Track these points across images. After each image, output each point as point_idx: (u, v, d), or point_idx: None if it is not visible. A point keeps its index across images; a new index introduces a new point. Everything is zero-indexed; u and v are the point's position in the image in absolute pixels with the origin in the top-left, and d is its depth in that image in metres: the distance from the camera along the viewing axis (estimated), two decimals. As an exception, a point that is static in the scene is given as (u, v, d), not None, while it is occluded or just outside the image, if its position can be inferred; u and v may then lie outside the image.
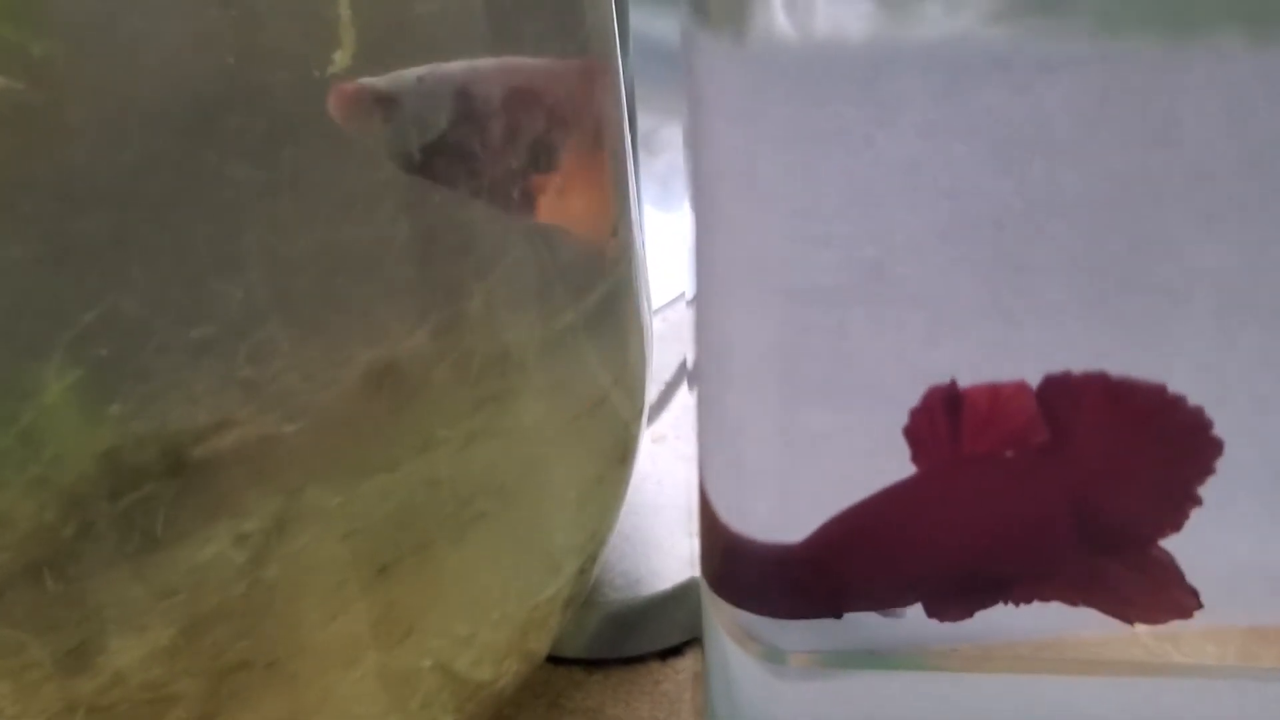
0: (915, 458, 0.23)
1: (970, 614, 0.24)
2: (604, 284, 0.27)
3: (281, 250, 0.21)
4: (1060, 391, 0.22)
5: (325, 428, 0.22)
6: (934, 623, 0.25)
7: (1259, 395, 0.22)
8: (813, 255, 0.22)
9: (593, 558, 0.30)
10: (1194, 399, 0.22)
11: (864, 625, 0.25)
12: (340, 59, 0.20)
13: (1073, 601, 0.24)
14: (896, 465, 0.23)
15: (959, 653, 0.25)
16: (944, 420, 0.22)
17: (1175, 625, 0.25)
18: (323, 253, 0.21)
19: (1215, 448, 0.22)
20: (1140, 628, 0.25)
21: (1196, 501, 0.23)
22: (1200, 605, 0.24)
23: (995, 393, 0.22)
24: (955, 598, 0.24)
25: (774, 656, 0.25)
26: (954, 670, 0.25)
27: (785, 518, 0.24)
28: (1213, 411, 0.22)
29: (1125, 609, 0.24)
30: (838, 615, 0.24)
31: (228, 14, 0.19)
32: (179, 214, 0.20)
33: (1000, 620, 0.25)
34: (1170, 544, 0.23)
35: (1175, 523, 0.23)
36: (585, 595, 0.33)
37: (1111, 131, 0.20)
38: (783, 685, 0.26)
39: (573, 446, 0.28)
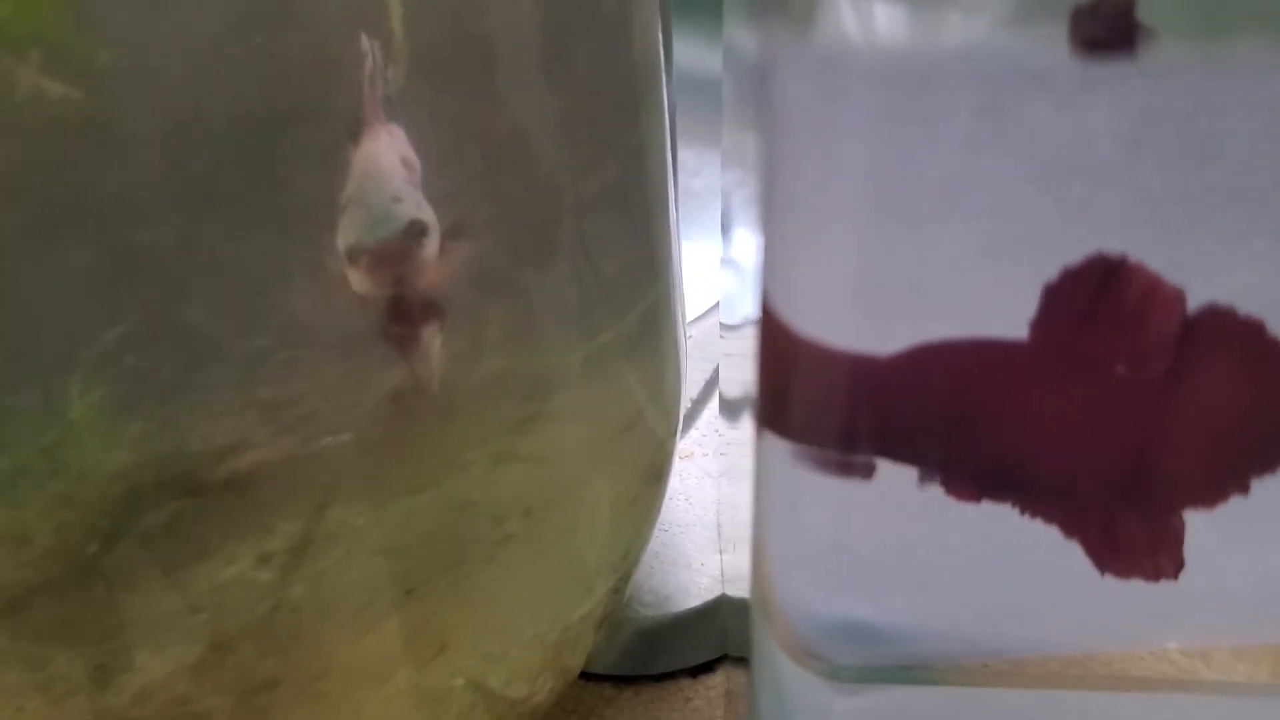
0: (1039, 321, 0.22)
1: (978, 498, 0.23)
2: (644, 303, 0.27)
3: (317, 268, 0.21)
4: (1213, 323, 0.21)
5: (354, 447, 0.22)
6: (968, 638, 0.25)
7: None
8: (862, 269, 0.22)
9: (626, 577, 0.30)
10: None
11: (900, 639, 0.25)
12: (394, 76, 0.20)
13: (1068, 532, 0.23)
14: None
15: (991, 668, 0.25)
16: (1089, 292, 0.21)
17: (1206, 642, 0.25)
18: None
19: None
20: (1171, 645, 0.25)
21: (1245, 490, 0.22)
22: (1175, 578, 0.23)
23: (1156, 285, 0.21)
24: (976, 476, 0.23)
25: (828, 672, 0.25)
26: (987, 685, 0.25)
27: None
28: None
29: (1108, 556, 0.23)
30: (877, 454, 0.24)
31: (286, 30, 0.19)
32: (214, 231, 0.19)
33: (1031, 635, 0.25)
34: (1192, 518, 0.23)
35: (1211, 500, 0.23)
36: (618, 613, 0.33)
37: (1151, 150, 0.20)
38: (835, 700, 0.26)
39: (608, 466, 0.27)
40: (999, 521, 0.24)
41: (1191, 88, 0.20)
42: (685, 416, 0.43)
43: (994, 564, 0.24)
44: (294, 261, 0.20)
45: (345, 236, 0.20)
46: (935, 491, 0.23)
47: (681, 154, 0.54)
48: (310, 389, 0.21)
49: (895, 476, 0.23)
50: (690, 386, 0.44)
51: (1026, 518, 0.23)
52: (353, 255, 0.20)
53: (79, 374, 0.19)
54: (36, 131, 0.18)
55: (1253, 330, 0.21)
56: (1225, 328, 0.21)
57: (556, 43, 0.23)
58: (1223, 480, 0.22)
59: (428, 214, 0.21)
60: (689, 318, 0.45)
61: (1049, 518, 0.23)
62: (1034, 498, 0.23)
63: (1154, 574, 0.23)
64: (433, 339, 0.22)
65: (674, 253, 0.29)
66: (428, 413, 0.23)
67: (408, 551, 0.23)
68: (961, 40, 0.20)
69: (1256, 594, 0.24)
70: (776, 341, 0.23)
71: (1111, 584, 0.24)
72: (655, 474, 0.30)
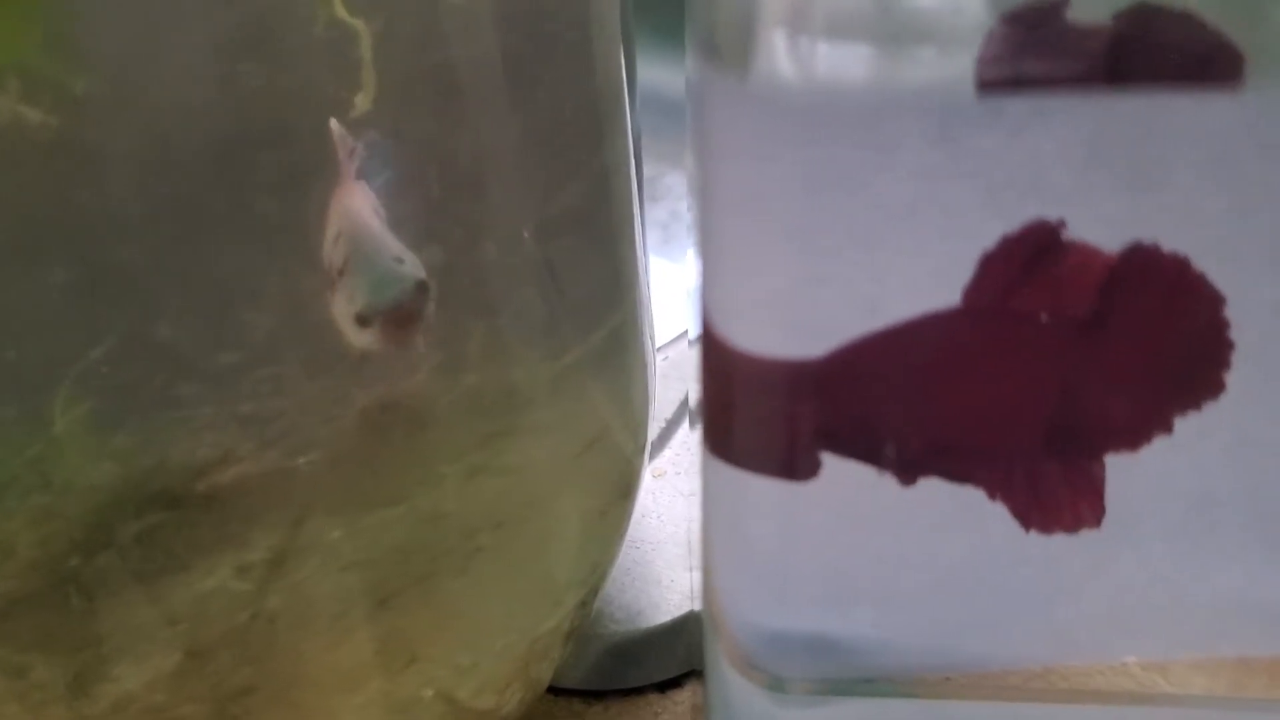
0: (971, 288, 0.22)
1: (913, 479, 0.24)
2: (610, 322, 0.28)
3: (292, 287, 0.21)
4: (1136, 262, 0.21)
5: (330, 462, 0.22)
6: (928, 651, 0.25)
7: (1245, 433, 0.23)
8: (812, 294, 0.22)
9: (594, 590, 0.30)
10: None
11: (861, 652, 0.25)
12: (361, 102, 0.21)
13: (993, 492, 0.23)
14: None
15: (952, 681, 0.26)
16: (1023, 258, 0.21)
17: (1165, 655, 0.25)
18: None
19: (1216, 389, 0.22)
20: (1131, 658, 0.25)
21: (1168, 429, 0.23)
22: (1097, 526, 0.23)
23: (1091, 254, 0.21)
24: (915, 454, 0.24)
25: (775, 685, 0.25)
26: (947, 698, 0.26)
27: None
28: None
29: (1033, 510, 0.23)
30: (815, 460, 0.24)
31: (255, 58, 0.20)
32: (192, 251, 0.20)
33: (993, 649, 0.25)
34: (1115, 465, 0.23)
35: (1135, 442, 0.23)
36: (585, 628, 0.33)
37: (1101, 176, 0.21)
38: (784, 713, 0.26)
39: (576, 481, 0.28)
40: (959, 535, 0.24)
41: (1141, 116, 0.20)
42: (659, 436, 0.43)
43: (955, 578, 0.25)
44: (272, 280, 0.21)
45: (353, 300, 0.21)
46: (891, 506, 0.23)
47: (669, 179, 0.55)
48: (289, 404, 0.21)
49: (843, 488, 0.23)
50: (665, 406, 0.44)
51: (962, 496, 0.23)
52: (365, 319, 0.21)
53: (64, 388, 0.19)
54: (17, 155, 0.18)
55: (1177, 266, 0.21)
56: (1149, 266, 0.21)
57: (518, 73, 0.23)
58: (1146, 419, 0.23)
59: (422, 269, 0.22)
60: (668, 338, 0.45)
61: (977, 480, 0.23)
62: (963, 461, 0.23)
63: (1074, 523, 0.23)
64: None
65: (640, 274, 0.30)
66: (403, 427, 0.23)
67: (381, 563, 0.24)
68: (913, 74, 0.21)
69: (1214, 608, 0.24)
70: (716, 358, 0.24)
71: (1073, 598, 0.24)
72: (624, 490, 0.30)
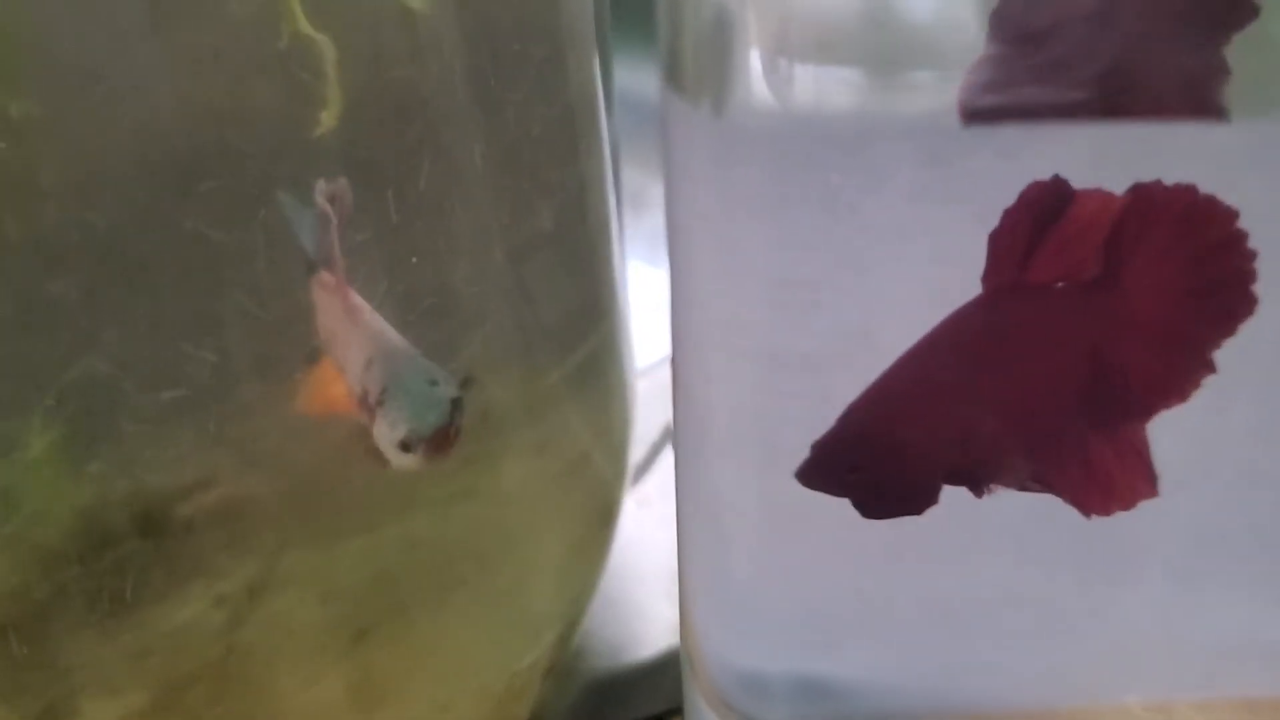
0: (987, 272, 0.21)
1: (980, 493, 0.23)
2: (587, 345, 0.28)
3: (259, 311, 0.21)
4: (1143, 203, 0.21)
5: (304, 489, 0.22)
6: (924, 692, 0.25)
7: (1247, 470, 0.22)
8: (797, 321, 0.22)
9: (573, 624, 0.30)
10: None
11: (849, 693, 0.25)
12: (326, 119, 0.20)
13: (1044, 483, 0.23)
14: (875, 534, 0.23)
15: (946, 723, 0.25)
16: (1030, 228, 0.21)
17: (1168, 696, 0.25)
18: (300, 314, 0.21)
19: (1249, 305, 0.21)
20: (1133, 699, 0.25)
21: (1211, 368, 0.22)
22: (1156, 495, 0.22)
23: (1107, 200, 0.21)
24: (979, 466, 0.23)
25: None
26: (942, 740, 0.26)
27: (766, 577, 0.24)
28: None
29: (1088, 495, 0.23)
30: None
31: (205, 78, 0.19)
32: (157, 275, 0.20)
33: (991, 689, 0.25)
34: (1158, 429, 0.22)
35: (1183, 391, 0.22)
36: (566, 663, 0.33)
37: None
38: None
39: (555, 507, 0.28)
40: (955, 572, 0.24)
41: (1134, 139, 0.20)
42: (643, 462, 0.43)
43: (951, 616, 0.25)
44: (250, 307, 0.21)
45: (395, 428, 0.22)
46: (881, 542, 0.23)
47: (659, 188, 0.54)
48: (270, 428, 0.22)
49: (828, 523, 0.23)
50: (650, 430, 0.44)
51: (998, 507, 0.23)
52: (409, 445, 0.22)
53: (37, 416, 0.20)
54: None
55: (1185, 194, 0.21)
56: (1156, 202, 0.21)
57: (486, 91, 0.23)
58: (1187, 364, 0.22)
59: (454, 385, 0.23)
60: (657, 355, 0.45)
61: (1026, 475, 0.23)
62: (1012, 460, 0.23)
63: (1131, 499, 0.23)
64: None
65: (620, 295, 0.29)
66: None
67: (358, 594, 0.24)
68: (901, 97, 0.20)
69: (1218, 648, 0.24)
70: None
71: (1074, 636, 0.24)
72: (604, 517, 0.30)
